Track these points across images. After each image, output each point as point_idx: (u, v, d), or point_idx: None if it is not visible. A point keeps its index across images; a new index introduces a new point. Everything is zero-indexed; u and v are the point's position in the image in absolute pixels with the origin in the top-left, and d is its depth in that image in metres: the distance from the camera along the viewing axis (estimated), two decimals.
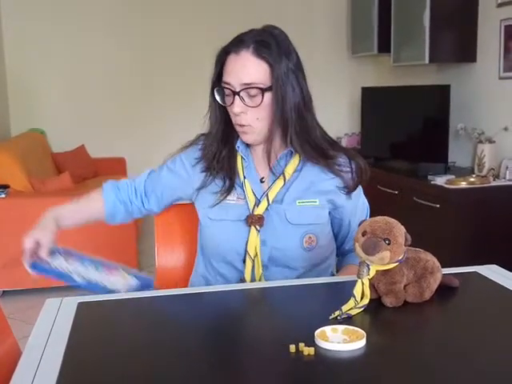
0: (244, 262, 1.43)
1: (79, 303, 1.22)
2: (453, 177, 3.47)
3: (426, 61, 3.88)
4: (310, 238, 1.43)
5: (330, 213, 1.48)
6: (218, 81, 1.41)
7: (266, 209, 1.42)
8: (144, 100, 5.12)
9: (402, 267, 1.16)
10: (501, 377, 0.90)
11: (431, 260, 1.21)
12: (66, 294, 1.30)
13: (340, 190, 1.46)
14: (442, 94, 3.81)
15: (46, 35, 4.92)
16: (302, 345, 0.96)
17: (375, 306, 1.15)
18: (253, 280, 1.43)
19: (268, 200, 1.42)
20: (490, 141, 3.61)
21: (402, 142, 4.28)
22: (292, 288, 1.32)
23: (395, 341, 1.06)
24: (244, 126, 1.40)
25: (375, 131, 4.52)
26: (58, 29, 4.94)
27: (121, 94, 5.09)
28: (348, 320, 1.09)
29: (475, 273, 1.37)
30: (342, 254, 1.59)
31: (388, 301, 1.15)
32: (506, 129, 3.56)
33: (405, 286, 1.17)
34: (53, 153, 4.84)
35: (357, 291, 1.13)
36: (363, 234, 1.14)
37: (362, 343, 0.99)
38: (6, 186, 3.54)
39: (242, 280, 1.44)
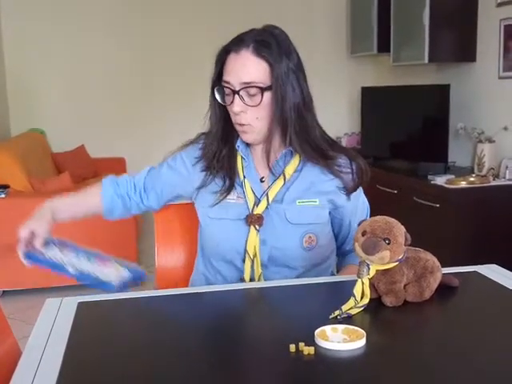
0: (244, 261, 1.43)
1: (79, 303, 1.22)
2: (453, 176, 3.47)
3: (426, 60, 3.88)
4: (309, 237, 1.43)
5: (330, 213, 1.48)
6: (218, 80, 1.41)
7: (266, 208, 1.42)
8: (144, 100, 5.12)
9: (402, 267, 1.16)
10: (500, 376, 0.90)
11: (431, 259, 1.21)
12: (65, 294, 1.31)
13: (340, 191, 1.46)
14: (441, 93, 3.81)
15: (46, 35, 4.92)
16: (302, 344, 0.97)
17: (375, 305, 1.15)
18: (252, 279, 1.43)
19: (268, 199, 1.42)
20: (490, 140, 3.61)
21: (402, 141, 4.28)
22: (292, 288, 1.32)
23: (395, 340, 1.06)
24: (244, 125, 1.40)
25: (375, 131, 4.52)
26: (58, 29, 4.93)
27: (121, 94, 5.09)
28: (348, 319, 1.09)
29: (475, 272, 1.37)
30: (343, 254, 1.59)
31: (388, 300, 1.15)
32: (505, 128, 3.56)
33: (405, 286, 1.17)
34: (53, 153, 4.85)
35: (357, 291, 1.13)
36: (363, 234, 1.14)
37: (361, 343, 0.99)
38: (5, 186, 3.55)
39: (242, 279, 1.44)
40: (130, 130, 5.12)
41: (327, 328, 1.02)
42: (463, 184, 3.36)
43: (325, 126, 1.47)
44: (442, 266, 1.24)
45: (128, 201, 1.56)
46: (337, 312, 1.10)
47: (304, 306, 1.22)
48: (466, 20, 3.82)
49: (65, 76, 5.01)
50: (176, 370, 0.93)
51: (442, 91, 3.80)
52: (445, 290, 1.23)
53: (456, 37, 3.85)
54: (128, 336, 1.08)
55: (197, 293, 1.33)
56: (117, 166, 4.92)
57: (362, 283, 1.14)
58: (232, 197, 1.44)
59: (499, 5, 3.59)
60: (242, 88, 1.36)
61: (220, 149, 1.46)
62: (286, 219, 1.42)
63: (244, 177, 1.45)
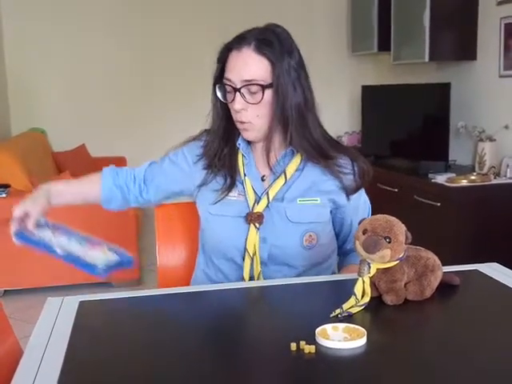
0: (243, 259, 1.43)
1: (80, 302, 1.22)
2: (453, 175, 3.46)
3: (426, 59, 3.88)
4: (310, 236, 1.42)
5: (331, 212, 1.48)
6: (220, 77, 1.41)
7: (267, 206, 1.42)
8: (144, 100, 5.12)
9: (403, 265, 1.16)
10: (502, 374, 0.90)
11: (432, 258, 1.21)
12: (67, 294, 1.31)
13: (341, 190, 1.46)
14: (442, 92, 3.81)
15: (46, 35, 4.92)
16: (302, 343, 0.97)
17: (376, 304, 1.15)
18: (251, 277, 1.43)
19: (268, 198, 1.42)
20: (491, 139, 3.61)
21: (403, 140, 4.27)
22: (293, 286, 1.32)
23: (396, 339, 1.06)
24: (244, 122, 1.40)
25: (375, 129, 4.52)
26: (58, 29, 4.94)
27: (121, 94, 5.09)
28: (349, 318, 1.09)
29: (476, 271, 1.37)
30: (344, 254, 1.59)
31: (389, 299, 1.15)
32: (506, 127, 3.56)
33: (405, 284, 1.17)
34: (53, 152, 4.84)
35: (357, 289, 1.13)
36: (364, 232, 1.14)
37: (362, 341, 0.99)
38: (6, 186, 3.55)
39: (243, 277, 1.44)
40: (130, 129, 5.12)
41: (328, 327, 1.02)
42: (464, 182, 3.36)
43: (325, 125, 1.47)
44: (443, 265, 1.24)
45: (127, 192, 1.55)
46: (337, 311, 1.10)
47: (305, 304, 1.22)
48: (467, 18, 3.81)
49: (65, 76, 5.02)
50: (176, 370, 0.93)
51: (443, 90, 3.80)
52: (446, 288, 1.23)
53: (456, 35, 3.85)
54: (129, 335, 1.08)
55: (197, 292, 1.33)
56: (117, 165, 4.81)
57: (363, 282, 1.14)
58: (233, 194, 1.44)
59: (499, 3, 3.59)
60: (243, 85, 1.36)
61: (221, 147, 1.46)
62: (287, 217, 1.42)
63: (245, 175, 1.45)
